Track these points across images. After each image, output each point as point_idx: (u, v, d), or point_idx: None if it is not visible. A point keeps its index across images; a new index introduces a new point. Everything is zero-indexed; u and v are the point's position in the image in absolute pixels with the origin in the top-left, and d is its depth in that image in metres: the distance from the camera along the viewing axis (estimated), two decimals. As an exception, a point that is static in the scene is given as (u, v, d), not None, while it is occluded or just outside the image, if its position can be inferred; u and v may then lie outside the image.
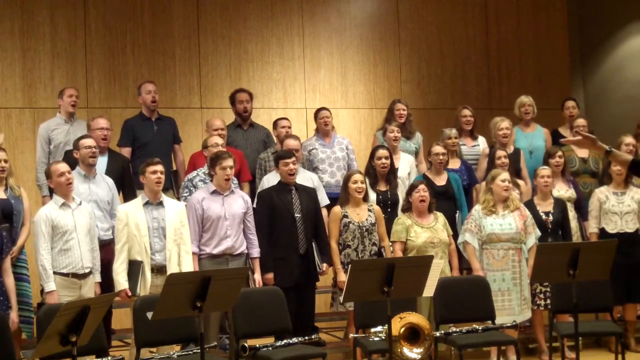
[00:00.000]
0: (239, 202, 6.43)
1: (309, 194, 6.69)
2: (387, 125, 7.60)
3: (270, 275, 6.43)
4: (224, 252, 6.30)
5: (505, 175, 6.71)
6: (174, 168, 7.54)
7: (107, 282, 6.07)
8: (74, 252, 5.82)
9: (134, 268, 5.90)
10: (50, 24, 8.60)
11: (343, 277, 6.35)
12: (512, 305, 6.48)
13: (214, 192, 6.36)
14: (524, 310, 6.57)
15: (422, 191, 6.61)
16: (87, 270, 5.90)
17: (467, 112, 7.98)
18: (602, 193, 7.16)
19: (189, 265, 6.05)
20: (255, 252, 6.46)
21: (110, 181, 6.56)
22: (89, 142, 6.42)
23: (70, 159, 6.45)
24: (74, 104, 7.20)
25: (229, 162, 6.31)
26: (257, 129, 7.83)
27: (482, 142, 7.99)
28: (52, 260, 5.77)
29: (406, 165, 7.45)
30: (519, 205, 6.73)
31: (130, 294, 5.84)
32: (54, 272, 5.77)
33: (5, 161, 6.17)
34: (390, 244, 6.65)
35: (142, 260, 5.90)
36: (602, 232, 7.09)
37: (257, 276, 6.39)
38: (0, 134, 7.32)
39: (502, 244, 6.56)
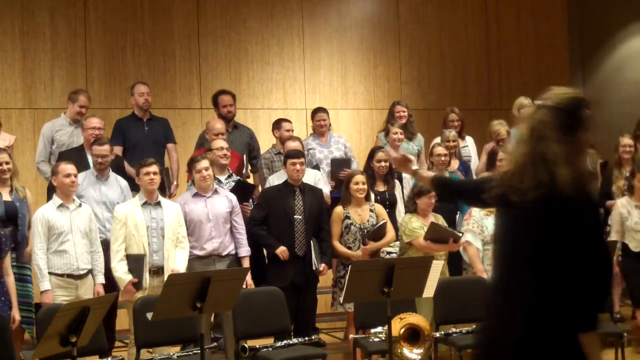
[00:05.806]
0: (224, 202, 6.37)
1: (314, 194, 6.65)
2: (389, 126, 7.60)
3: (283, 247, 6.40)
4: (210, 253, 6.26)
5: None
6: (166, 166, 7.51)
7: (108, 282, 6.03)
8: (69, 254, 5.80)
9: (136, 261, 5.88)
10: (50, 24, 8.60)
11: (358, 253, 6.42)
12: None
13: (195, 195, 6.34)
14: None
15: (432, 198, 6.52)
16: (83, 272, 5.87)
17: (453, 115, 8.11)
18: (624, 207, 6.78)
19: (182, 259, 6.03)
20: (244, 251, 6.41)
21: (123, 183, 6.52)
22: (102, 149, 6.35)
23: (72, 158, 6.33)
24: (82, 114, 7.10)
25: (203, 164, 6.27)
26: (241, 130, 7.75)
27: (470, 143, 8.05)
28: (47, 260, 5.76)
29: None
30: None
31: (136, 281, 5.81)
32: (50, 273, 5.76)
33: (7, 163, 6.16)
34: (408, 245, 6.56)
35: (144, 254, 5.88)
36: (625, 249, 6.72)
37: (247, 277, 6.35)
38: (12, 136, 7.29)
39: (505, 244, 6.50)
